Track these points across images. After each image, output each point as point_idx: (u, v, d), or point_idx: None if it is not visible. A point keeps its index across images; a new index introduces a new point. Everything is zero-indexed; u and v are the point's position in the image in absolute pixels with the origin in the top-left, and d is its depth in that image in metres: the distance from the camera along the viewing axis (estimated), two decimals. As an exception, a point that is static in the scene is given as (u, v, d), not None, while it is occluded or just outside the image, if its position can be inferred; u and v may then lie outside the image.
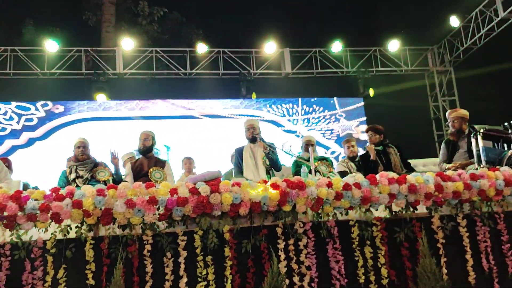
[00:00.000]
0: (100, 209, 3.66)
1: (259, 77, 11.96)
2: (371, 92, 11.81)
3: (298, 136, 11.80)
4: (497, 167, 4.72)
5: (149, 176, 5.65)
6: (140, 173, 5.78)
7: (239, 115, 11.73)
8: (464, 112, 6.05)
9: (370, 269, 3.99)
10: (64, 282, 3.55)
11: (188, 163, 7.94)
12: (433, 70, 12.92)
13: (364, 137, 11.19)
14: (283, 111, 12.01)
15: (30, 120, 10.87)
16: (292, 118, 12.00)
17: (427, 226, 4.19)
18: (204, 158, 10.91)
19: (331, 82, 12.23)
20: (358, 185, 4.11)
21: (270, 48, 11.73)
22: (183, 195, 3.78)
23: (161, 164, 5.91)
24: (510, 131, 4.98)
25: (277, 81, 12.09)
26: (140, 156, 6.04)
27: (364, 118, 12.21)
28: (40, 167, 10.36)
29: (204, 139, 11.31)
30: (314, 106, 12.17)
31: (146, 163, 5.86)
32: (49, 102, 11.05)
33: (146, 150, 5.94)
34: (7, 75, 10.96)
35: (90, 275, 3.58)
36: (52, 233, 3.65)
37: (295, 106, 12.10)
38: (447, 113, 6.23)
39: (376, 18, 11.82)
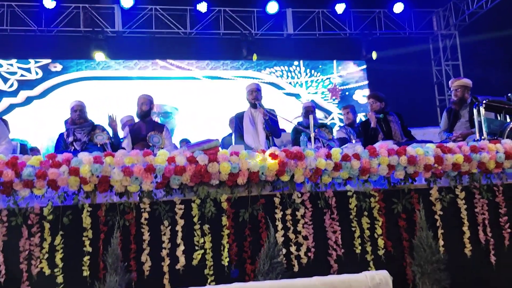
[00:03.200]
0: (97, 177, 3.65)
1: (260, 37, 11.76)
2: (374, 55, 11.65)
3: (299, 99, 11.72)
4: (499, 138, 4.69)
5: (147, 140, 5.64)
6: (138, 137, 5.78)
7: (239, 76, 11.63)
8: (467, 81, 5.99)
9: (367, 240, 4.03)
10: (61, 249, 3.57)
11: None
12: (438, 34, 12.73)
13: (365, 101, 11.12)
14: (284, 73, 11.90)
15: (28, 78, 10.77)
16: (293, 81, 11.90)
17: (425, 198, 4.21)
18: (203, 120, 10.88)
19: (333, 44, 12.04)
20: (357, 156, 4.10)
21: (272, 7, 11.50)
22: (181, 164, 3.77)
23: (159, 128, 5.89)
24: (513, 102, 4.94)
25: (279, 43, 11.89)
26: (139, 119, 6.02)
27: (366, 82, 12.10)
28: (38, 126, 10.34)
29: (203, 101, 11.24)
30: (316, 68, 12.05)
31: (145, 127, 5.85)
32: (47, 60, 10.93)
33: (144, 114, 5.94)
34: (4, 31, 10.79)
35: (87, 242, 3.60)
36: (49, 200, 3.65)
37: (296, 68, 11.98)
38: (450, 82, 6.17)
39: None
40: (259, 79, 11.58)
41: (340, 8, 11.71)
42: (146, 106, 5.94)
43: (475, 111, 5.00)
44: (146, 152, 3.83)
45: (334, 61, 12.12)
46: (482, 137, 4.85)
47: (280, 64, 11.93)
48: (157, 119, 10.30)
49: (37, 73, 10.84)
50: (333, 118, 11.85)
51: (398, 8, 11.91)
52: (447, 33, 12.66)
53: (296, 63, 12.01)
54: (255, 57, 11.32)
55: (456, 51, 12.60)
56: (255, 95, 5.95)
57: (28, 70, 10.84)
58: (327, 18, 12.00)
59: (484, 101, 4.93)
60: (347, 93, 12.06)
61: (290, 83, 11.88)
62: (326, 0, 11.79)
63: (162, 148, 5.40)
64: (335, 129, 8.23)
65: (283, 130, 6.95)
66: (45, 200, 3.65)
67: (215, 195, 3.85)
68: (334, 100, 11.93)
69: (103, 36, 10.81)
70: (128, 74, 11.21)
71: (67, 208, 3.65)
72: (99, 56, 10.78)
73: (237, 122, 6.05)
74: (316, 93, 11.93)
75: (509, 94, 5.01)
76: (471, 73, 10.99)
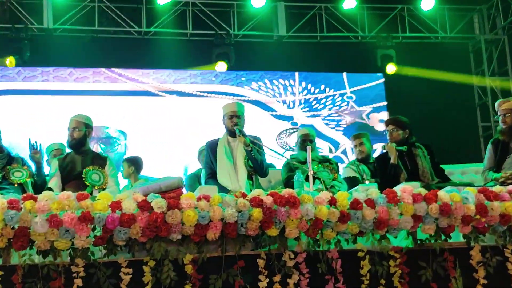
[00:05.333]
0: (12, 228, 3.62)
1: (241, 40, 11.88)
2: (391, 68, 11.83)
3: (295, 124, 11.77)
4: None
5: (84, 179, 5.60)
6: (70, 174, 5.73)
7: (213, 92, 11.68)
8: (520, 103, 6.07)
9: (385, 318, 4.02)
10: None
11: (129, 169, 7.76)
12: (481, 39, 12.94)
13: (383, 127, 11.22)
14: (275, 89, 11.98)
15: None
16: (287, 99, 11.98)
17: (464, 261, 4.22)
18: (163, 151, 10.85)
19: (340, 51, 12.18)
20: (371, 203, 4.11)
21: (258, 1, 11.64)
22: (129, 211, 3.76)
23: (100, 161, 5.85)
24: None
25: (267, 48, 12.01)
26: (71, 150, 5.97)
27: (384, 103, 12.22)
28: None
29: (163, 125, 11.25)
30: (317, 83, 12.15)
31: (80, 161, 5.80)
32: None
33: (77, 143, 5.85)
34: None
35: (-4, 320, 3.56)
36: None
37: (291, 82, 12.07)
38: (496, 104, 6.26)
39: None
40: (240, 96, 11.65)
41: (349, 3, 11.88)
42: (80, 132, 5.86)
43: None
44: (81, 195, 3.81)
45: (344, 74, 12.23)
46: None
47: (268, 77, 12.02)
48: (96, 147, 10.27)
49: None
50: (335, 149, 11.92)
51: (428, 4, 12.10)
52: (493, 38, 12.88)
53: (290, 76, 12.11)
54: (223, 65, 11.38)
55: (505, 62, 12.78)
56: (235, 121, 5.93)
57: None
58: (332, 16, 12.15)
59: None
60: (359, 119, 12.15)
61: (282, 102, 11.94)
62: (331, -8, 11.99)
63: (104, 189, 5.36)
64: (342, 166, 8.26)
65: (272, 166, 6.96)
66: None
67: (176, 255, 3.83)
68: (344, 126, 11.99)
69: (26, 34, 10.81)
70: (59, 87, 11.20)
71: (-31, 272, 3.61)
72: (10, 62, 10.69)
73: (209, 154, 6.04)
74: (317, 115, 12.00)
75: None
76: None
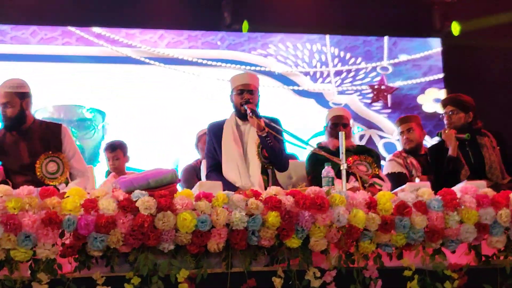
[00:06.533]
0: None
1: (256, -8, 11.90)
2: (456, 28, 11.75)
3: (323, 102, 11.75)
4: None
5: (37, 171, 5.49)
6: (15, 165, 5.57)
7: (218, 60, 11.67)
8: None
9: None
10: None
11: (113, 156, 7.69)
12: None
13: (439, 109, 11.17)
14: (298, 57, 11.96)
15: None
16: (314, 70, 11.95)
17: (543, 284, 4.23)
18: (150, 137, 10.86)
19: (384, 8, 12.13)
20: (422, 207, 4.11)
21: None
22: (108, 213, 3.77)
23: (53, 141, 5.73)
24: None
25: (289, 2, 12.00)
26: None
27: (441, 75, 12.17)
28: None
29: (153, 101, 11.25)
30: (354, 50, 12.11)
31: (25, 147, 5.65)
32: None
33: (13, 123, 5.71)
34: None
35: None
36: None
37: (319, 48, 12.04)
38: None
39: None
40: (253, 65, 11.62)
41: None
42: (14, 108, 5.64)
43: None
44: (45, 191, 3.81)
45: (385, 38, 12.18)
46: None
47: (290, 41, 11.99)
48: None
49: None
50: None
51: None
52: None
53: (319, 40, 12.09)
54: (245, 26, 11.35)
55: None
56: (246, 97, 5.92)
57: None
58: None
59: None
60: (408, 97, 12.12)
61: (307, 73, 11.92)
62: None
63: (67, 179, 5.33)
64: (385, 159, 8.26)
65: (293, 157, 6.95)
66: None
67: (168, 270, 3.85)
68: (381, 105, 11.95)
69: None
70: (19, 50, 11.21)
71: None
72: None
73: (212, 140, 6.05)
74: (353, 92, 11.97)
75: None
76: None
